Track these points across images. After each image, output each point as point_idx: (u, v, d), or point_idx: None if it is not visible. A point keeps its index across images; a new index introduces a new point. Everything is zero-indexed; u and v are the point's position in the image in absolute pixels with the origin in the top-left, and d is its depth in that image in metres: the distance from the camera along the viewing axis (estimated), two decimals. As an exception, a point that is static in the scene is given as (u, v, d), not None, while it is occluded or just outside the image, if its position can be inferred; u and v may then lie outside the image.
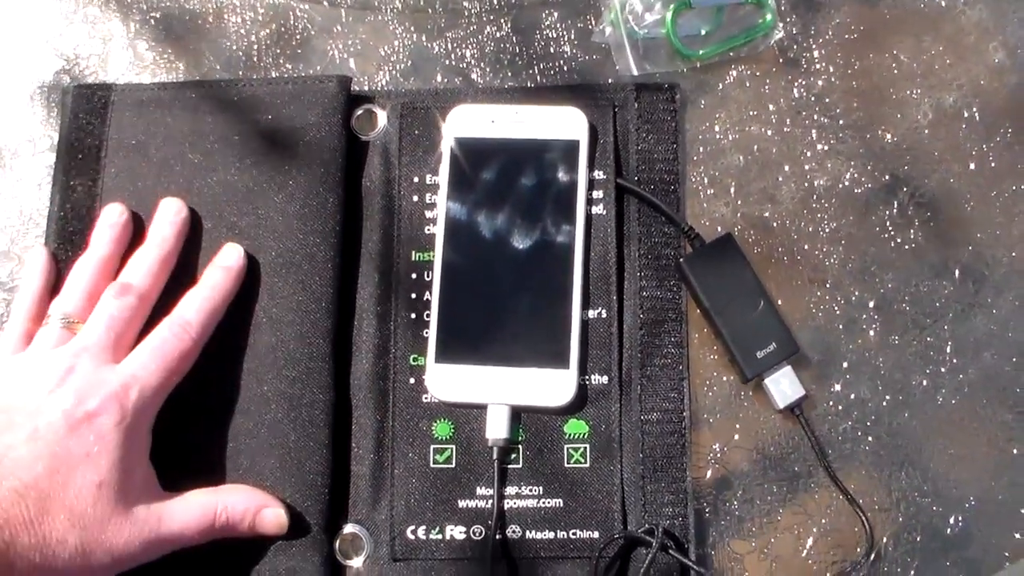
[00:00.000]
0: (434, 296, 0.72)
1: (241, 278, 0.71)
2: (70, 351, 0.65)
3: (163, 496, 0.65)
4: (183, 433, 0.69)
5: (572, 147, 0.74)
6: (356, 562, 0.71)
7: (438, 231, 0.73)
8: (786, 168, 0.76)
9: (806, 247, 0.75)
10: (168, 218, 0.72)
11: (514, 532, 0.70)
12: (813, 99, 0.77)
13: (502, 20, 0.79)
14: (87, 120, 0.76)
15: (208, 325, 0.69)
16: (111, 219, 0.72)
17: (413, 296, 0.73)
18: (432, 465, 0.71)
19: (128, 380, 0.64)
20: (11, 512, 0.58)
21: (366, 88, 0.78)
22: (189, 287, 0.71)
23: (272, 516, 0.67)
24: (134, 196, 0.74)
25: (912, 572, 0.70)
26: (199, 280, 0.71)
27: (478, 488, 0.70)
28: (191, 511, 0.65)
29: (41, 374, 0.64)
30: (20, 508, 0.58)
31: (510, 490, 0.70)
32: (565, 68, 0.78)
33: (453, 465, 0.71)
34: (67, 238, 0.74)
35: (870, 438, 0.72)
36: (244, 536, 0.67)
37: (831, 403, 0.72)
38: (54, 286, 0.72)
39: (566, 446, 0.71)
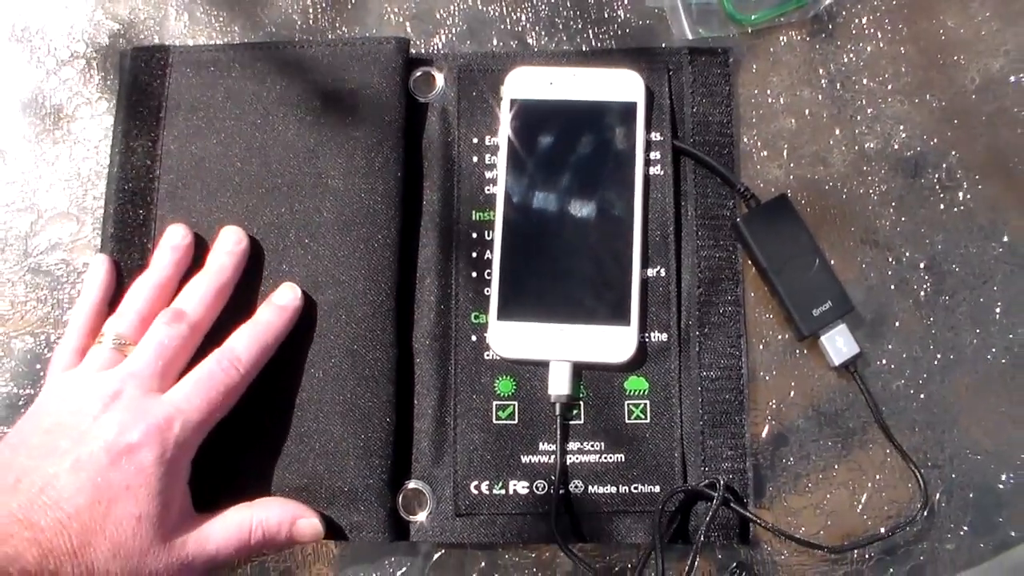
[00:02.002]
0: (495, 255, 0.73)
1: (295, 319, 0.71)
2: (117, 376, 0.65)
3: (199, 520, 0.65)
4: (251, 391, 0.70)
5: (629, 109, 0.75)
6: (420, 517, 0.72)
7: (498, 191, 0.74)
8: (837, 131, 0.77)
9: (857, 208, 0.76)
10: (227, 247, 0.72)
11: (576, 487, 0.71)
12: (862, 64, 0.78)
13: (557, -16, 0.80)
14: (146, 81, 0.77)
15: (258, 362, 0.69)
16: (173, 241, 0.72)
17: (474, 255, 0.74)
18: (495, 421, 0.72)
19: (172, 413, 0.64)
20: (55, 542, 0.59)
21: (423, 52, 0.79)
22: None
23: (307, 526, 0.68)
24: (193, 157, 0.75)
25: (965, 528, 0.71)
26: (254, 312, 0.71)
27: (540, 444, 0.71)
28: (227, 531, 0.65)
29: (88, 397, 0.64)
30: (64, 539, 0.59)
31: (572, 445, 0.71)
32: (619, 32, 0.79)
33: (515, 421, 0.72)
34: (127, 198, 0.75)
35: (922, 396, 0.73)
36: (281, 548, 0.70)
37: (884, 361, 0.74)
38: (114, 296, 0.73)
39: (626, 402, 0.72)
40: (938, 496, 0.72)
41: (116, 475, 0.61)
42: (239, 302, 0.72)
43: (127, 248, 0.74)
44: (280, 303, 0.71)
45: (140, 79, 0.77)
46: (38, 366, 0.75)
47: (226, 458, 0.69)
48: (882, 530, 0.71)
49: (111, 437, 0.62)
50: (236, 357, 0.67)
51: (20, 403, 0.75)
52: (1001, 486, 0.72)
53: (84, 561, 0.59)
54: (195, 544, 0.64)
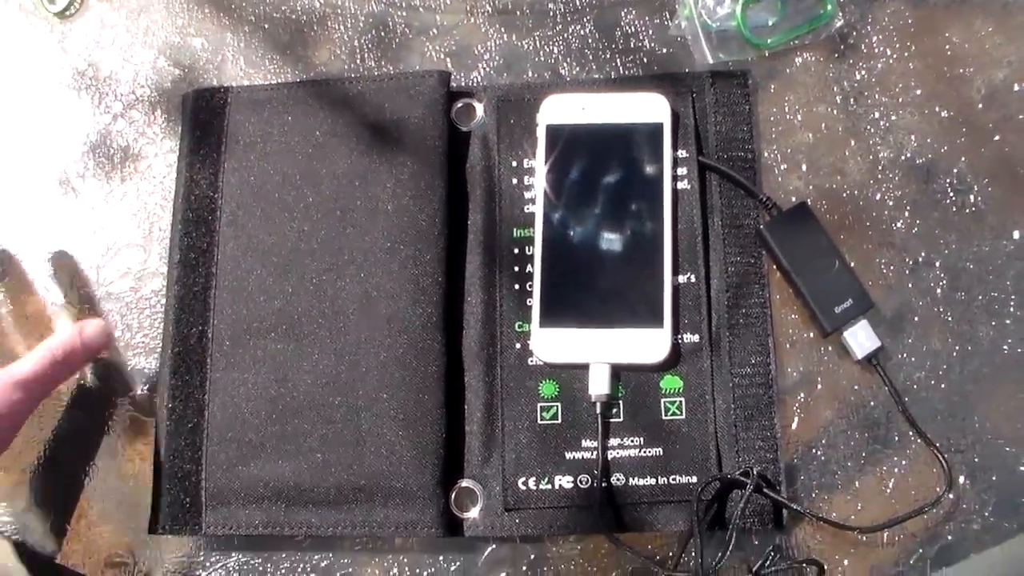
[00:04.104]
0: (536, 267, 0.78)
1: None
2: None
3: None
4: (308, 396, 0.76)
5: (656, 129, 0.80)
6: (472, 513, 0.76)
7: (537, 210, 0.79)
8: (852, 143, 0.82)
9: (874, 214, 0.80)
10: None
11: (618, 480, 0.75)
12: (874, 80, 0.83)
13: (585, 19, 0.86)
14: (207, 119, 0.83)
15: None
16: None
17: (516, 269, 0.79)
18: (540, 422, 0.76)
19: None
20: None
21: (463, 84, 0.85)
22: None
23: (93, 327, 0.77)
24: (252, 187, 0.81)
25: (989, 508, 0.75)
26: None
27: (583, 441, 0.76)
28: (32, 361, 0.74)
29: None
30: None
31: (613, 441, 0.76)
32: (645, 60, 0.85)
33: (559, 421, 0.76)
34: (191, 227, 0.81)
35: (943, 385, 0.77)
36: (82, 357, 0.77)
37: (905, 355, 0.78)
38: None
39: (663, 400, 0.76)
40: (962, 479, 0.75)
41: None
42: (312, 316, 0.78)
43: (192, 273, 0.80)
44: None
45: (202, 117, 0.83)
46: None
47: (290, 461, 0.74)
48: (910, 511, 0.74)
49: None
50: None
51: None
52: (1022, 468, 0.75)
53: None
54: (6, 374, 0.72)
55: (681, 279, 0.78)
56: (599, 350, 0.76)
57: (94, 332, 0.76)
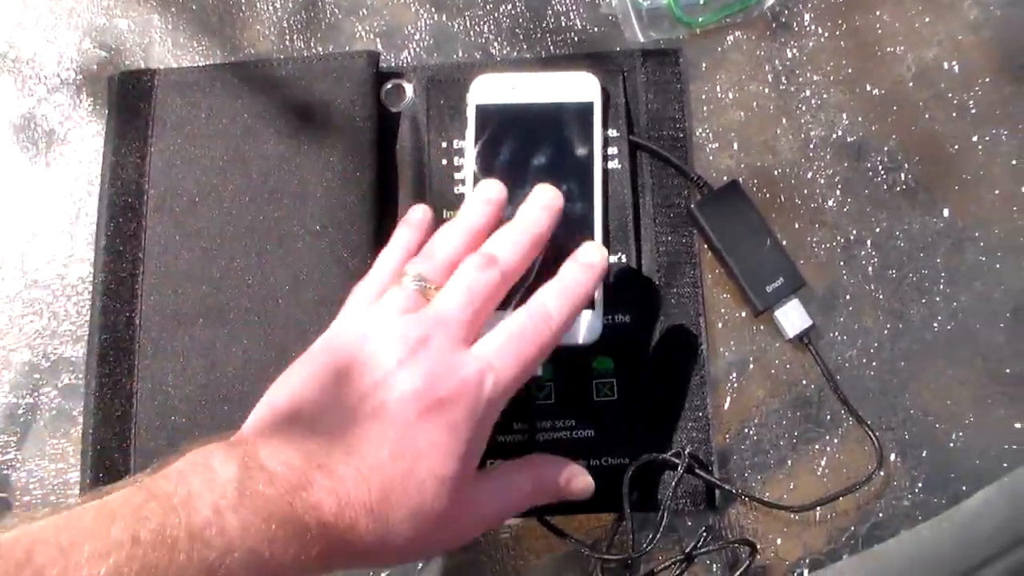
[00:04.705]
0: (466, 249, 0.77)
1: (601, 278, 0.67)
2: (424, 320, 0.60)
3: (486, 480, 0.63)
4: (237, 382, 0.75)
5: (587, 109, 0.79)
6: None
7: (466, 190, 0.78)
8: (784, 121, 0.82)
9: (806, 192, 0.80)
10: (542, 202, 0.67)
11: (550, 462, 0.74)
12: (805, 59, 0.83)
13: (515, -2, 0.85)
14: (134, 103, 0.82)
15: (568, 322, 0.63)
16: (488, 195, 0.68)
17: (446, 250, 0.78)
18: (470, 404, 0.75)
19: (484, 368, 0.59)
20: (353, 495, 0.55)
21: (393, 65, 0.84)
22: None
23: (582, 483, 0.67)
24: (179, 171, 0.80)
25: (920, 485, 0.75)
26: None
27: (514, 424, 0.75)
28: (508, 491, 0.64)
29: (390, 338, 0.59)
30: (363, 492, 0.55)
31: (545, 424, 0.75)
32: (576, 39, 0.84)
33: (490, 404, 0.75)
34: (118, 212, 0.80)
35: (874, 363, 0.77)
36: (551, 500, 0.67)
37: (837, 333, 0.78)
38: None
39: (594, 381, 0.76)
40: (893, 457, 0.76)
41: (424, 431, 0.56)
42: (240, 301, 0.77)
43: (119, 259, 0.79)
44: (586, 261, 0.66)
45: (128, 101, 0.82)
46: (36, 376, 0.79)
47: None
48: (841, 490, 0.74)
49: (420, 388, 0.57)
50: (548, 314, 0.62)
51: (20, 412, 0.79)
52: (951, 445, 0.76)
53: (381, 518, 0.55)
54: (482, 507, 0.61)
55: (612, 259, 0.77)
56: (530, 332, 0.75)
57: (580, 489, 0.68)
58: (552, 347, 0.63)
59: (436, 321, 0.60)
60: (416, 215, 0.71)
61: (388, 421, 0.56)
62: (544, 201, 0.67)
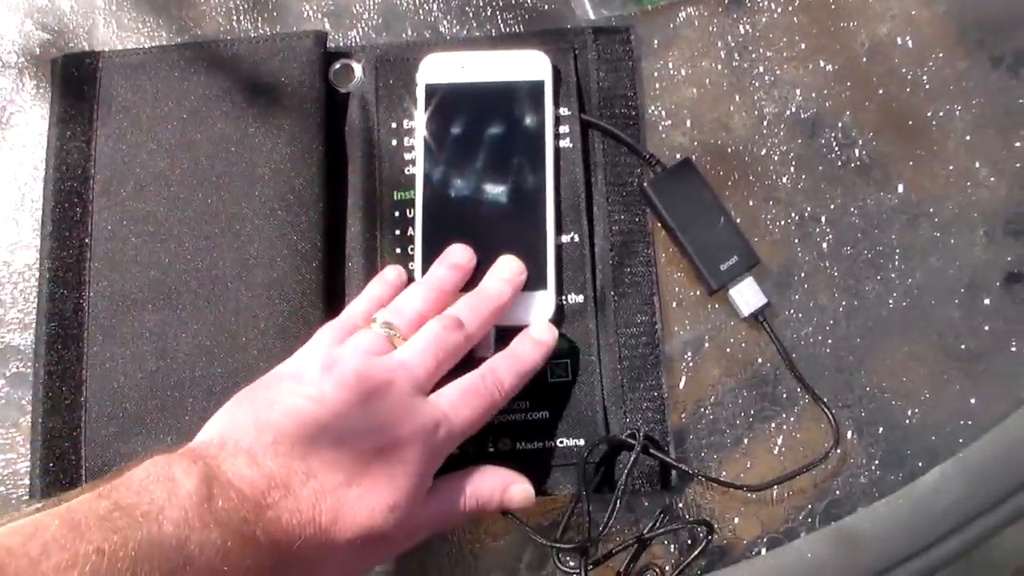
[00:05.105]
0: (417, 231, 0.76)
1: (549, 355, 0.72)
2: (391, 364, 0.65)
3: (429, 500, 0.65)
4: (188, 368, 0.74)
5: (537, 87, 0.79)
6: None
7: (417, 171, 0.77)
8: (737, 98, 0.81)
9: (760, 169, 0.80)
10: (504, 275, 0.73)
11: (504, 444, 0.74)
12: (758, 35, 0.82)
13: (465, -26, 0.84)
14: (78, 86, 0.80)
15: (515, 390, 0.69)
16: (456, 260, 0.73)
17: (397, 232, 0.78)
18: (424, 387, 0.75)
19: (440, 417, 0.64)
20: (309, 514, 0.58)
21: (341, 45, 0.83)
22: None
23: (520, 492, 0.68)
24: (126, 155, 0.79)
25: (876, 461, 0.75)
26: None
27: (469, 406, 0.74)
28: (449, 509, 0.66)
29: (361, 380, 0.63)
30: (318, 512, 0.58)
31: (499, 406, 0.74)
32: (526, 17, 0.83)
33: (444, 385, 0.75)
34: (63, 198, 0.78)
35: (830, 341, 0.77)
36: (492, 512, 0.69)
37: (792, 311, 0.77)
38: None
39: (549, 362, 0.75)
40: (850, 435, 0.76)
41: (379, 464, 0.61)
42: (190, 286, 0.76)
43: (64, 245, 0.77)
44: (539, 338, 0.72)
45: (72, 84, 0.80)
46: (-13, 364, 0.78)
47: (171, 435, 0.73)
48: (798, 468, 0.74)
49: (381, 427, 0.62)
50: (500, 379, 0.68)
51: (-33, 398, 0.77)
52: (907, 421, 0.76)
53: (329, 538, 0.59)
54: (420, 525, 0.65)
55: (565, 239, 0.77)
56: (483, 313, 0.74)
57: (519, 499, 0.70)
58: (496, 410, 0.68)
59: (400, 366, 0.64)
60: (390, 275, 0.74)
61: (347, 449, 0.60)
62: (507, 275, 0.72)
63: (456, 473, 0.68)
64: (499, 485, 0.68)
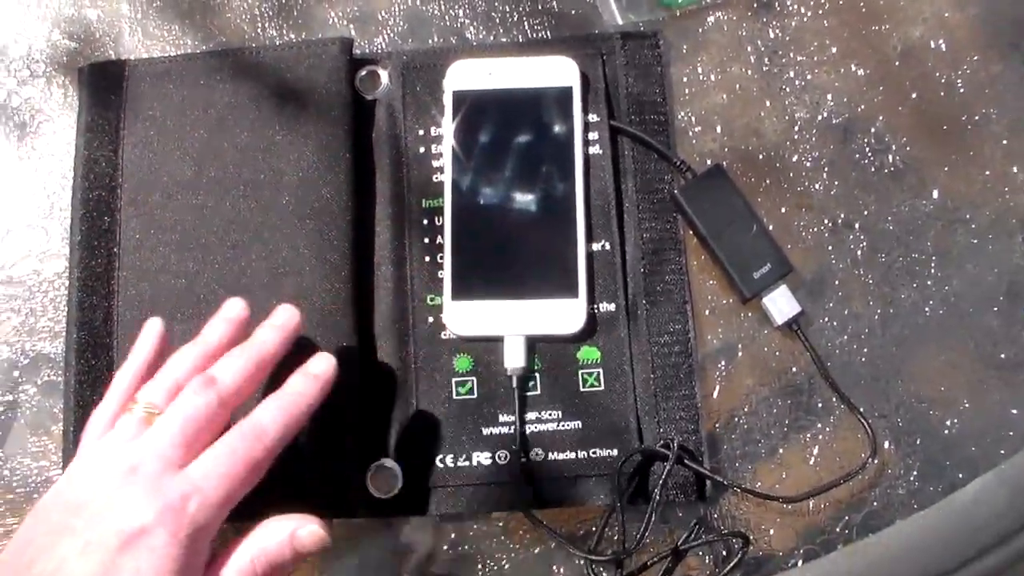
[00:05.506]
0: (446, 238, 0.76)
1: (328, 388, 0.66)
2: (138, 449, 0.61)
3: None
4: None
5: (566, 93, 0.78)
6: (390, 493, 0.74)
7: (446, 179, 0.77)
8: (767, 104, 0.80)
9: (791, 175, 0.79)
10: (275, 322, 0.69)
11: (537, 454, 0.73)
12: (788, 39, 0.81)
13: (492, -20, 0.83)
14: (105, 95, 0.80)
15: (286, 435, 0.64)
16: (228, 313, 0.69)
17: (426, 240, 0.77)
18: (455, 397, 0.74)
19: (189, 491, 0.59)
20: None
21: (367, 52, 0.83)
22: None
23: (308, 535, 0.63)
24: (152, 163, 0.78)
25: (915, 473, 0.74)
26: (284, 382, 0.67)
27: (500, 416, 0.74)
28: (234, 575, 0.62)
29: (107, 471, 0.60)
30: None
31: (531, 415, 0.74)
32: (553, 23, 0.83)
33: (475, 396, 0.74)
34: (92, 207, 0.78)
35: (865, 349, 0.76)
36: (294, 564, 0.64)
37: (826, 319, 0.76)
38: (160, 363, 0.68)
39: (580, 371, 0.74)
40: (887, 445, 0.74)
41: (126, 559, 0.56)
42: (218, 295, 0.74)
43: (93, 255, 0.77)
44: (313, 372, 0.67)
45: (99, 92, 0.80)
46: (16, 373, 0.78)
47: None
48: (835, 479, 0.73)
49: (122, 519, 0.57)
50: (262, 430, 0.63)
51: (0, 411, 0.77)
52: (946, 432, 0.74)
53: None
54: None
55: (595, 247, 0.76)
56: (513, 322, 0.74)
57: (310, 541, 0.64)
58: (270, 461, 0.63)
59: (147, 448, 0.61)
60: (150, 333, 0.69)
61: (93, 556, 0.56)
62: (277, 322, 0.68)
63: (236, 542, 0.63)
64: (285, 535, 0.63)
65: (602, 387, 0.74)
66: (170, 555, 0.57)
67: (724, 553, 0.72)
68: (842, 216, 0.77)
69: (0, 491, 0.76)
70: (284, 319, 0.69)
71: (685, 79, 0.81)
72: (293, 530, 0.63)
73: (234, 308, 0.69)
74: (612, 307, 0.75)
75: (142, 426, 0.63)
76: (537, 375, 0.75)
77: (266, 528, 0.63)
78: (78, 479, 0.61)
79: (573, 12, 0.82)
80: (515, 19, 0.82)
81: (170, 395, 0.64)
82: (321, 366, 0.67)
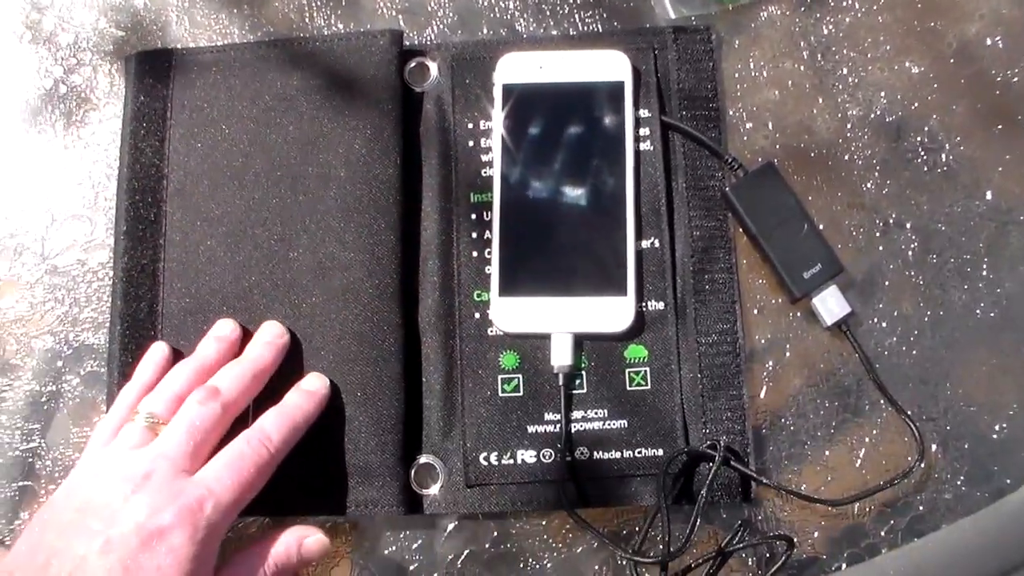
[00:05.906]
0: (495, 234, 0.75)
1: (323, 405, 0.72)
2: (148, 456, 0.65)
3: None
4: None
5: (617, 88, 0.77)
6: (432, 490, 0.74)
7: (495, 173, 0.76)
8: (820, 100, 0.79)
9: (843, 173, 0.78)
10: (266, 339, 0.73)
11: (582, 453, 0.73)
12: (842, 35, 0.80)
13: (543, -28, 0.83)
14: (151, 84, 0.80)
15: (288, 442, 0.69)
16: (220, 332, 0.74)
17: (474, 235, 0.77)
18: (501, 394, 0.74)
19: (203, 494, 0.63)
20: None
21: (416, 43, 0.82)
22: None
23: (314, 543, 0.69)
24: (199, 154, 0.78)
25: (962, 477, 0.73)
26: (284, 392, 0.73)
27: (546, 414, 0.74)
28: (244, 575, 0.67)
29: (119, 477, 0.64)
30: None
31: (576, 414, 0.74)
32: (605, 15, 0.82)
33: (521, 393, 0.74)
34: (137, 197, 0.78)
35: (915, 352, 0.75)
36: (297, 571, 0.70)
37: (876, 320, 0.76)
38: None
39: (627, 370, 0.74)
40: (934, 448, 0.74)
41: (147, 558, 0.60)
42: (264, 288, 0.76)
43: (139, 245, 0.77)
44: (308, 389, 0.72)
45: (145, 82, 0.80)
46: (59, 363, 0.78)
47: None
48: (881, 483, 0.72)
49: (142, 519, 0.61)
50: (267, 436, 0.68)
51: (43, 400, 0.78)
52: (995, 436, 0.74)
53: None
54: None
55: (644, 244, 0.75)
56: (561, 319, 0.74)
57: (316, 549, 0.70)
58: (274, 466, 0.68)
59: (158, 456, 0.64)
60: (156, 355, 0.74)
61: (114, 554, 0.60)
62: (267, 338, 0.73)
63: (250, 543, 0.69)
64: (293, 542, 0.68)
65: (649, 386, 0.74)
66: (188, 555, 0.61)
67: (768, 555, 0.72)
68: (894, 216, 0.76)
69: (42, 481, 0.76)
70: (273, 336, 0.73)
71: (737, 75, 0.80)
72: (301, 538, 0.69)
73: (225, 328, 0.74)
74: (660, 305, 0.75)
75: (145, 434, 0.67)
76: (584, 373, 0.74)
77: (276, 534, 0.69)
78: (88, 484, 0.65)
79: (625, 5, 0.81)
80: (566, 11, 0.82)
81: (169, 406, 0.69)
82: (315, 384, 0.72)
